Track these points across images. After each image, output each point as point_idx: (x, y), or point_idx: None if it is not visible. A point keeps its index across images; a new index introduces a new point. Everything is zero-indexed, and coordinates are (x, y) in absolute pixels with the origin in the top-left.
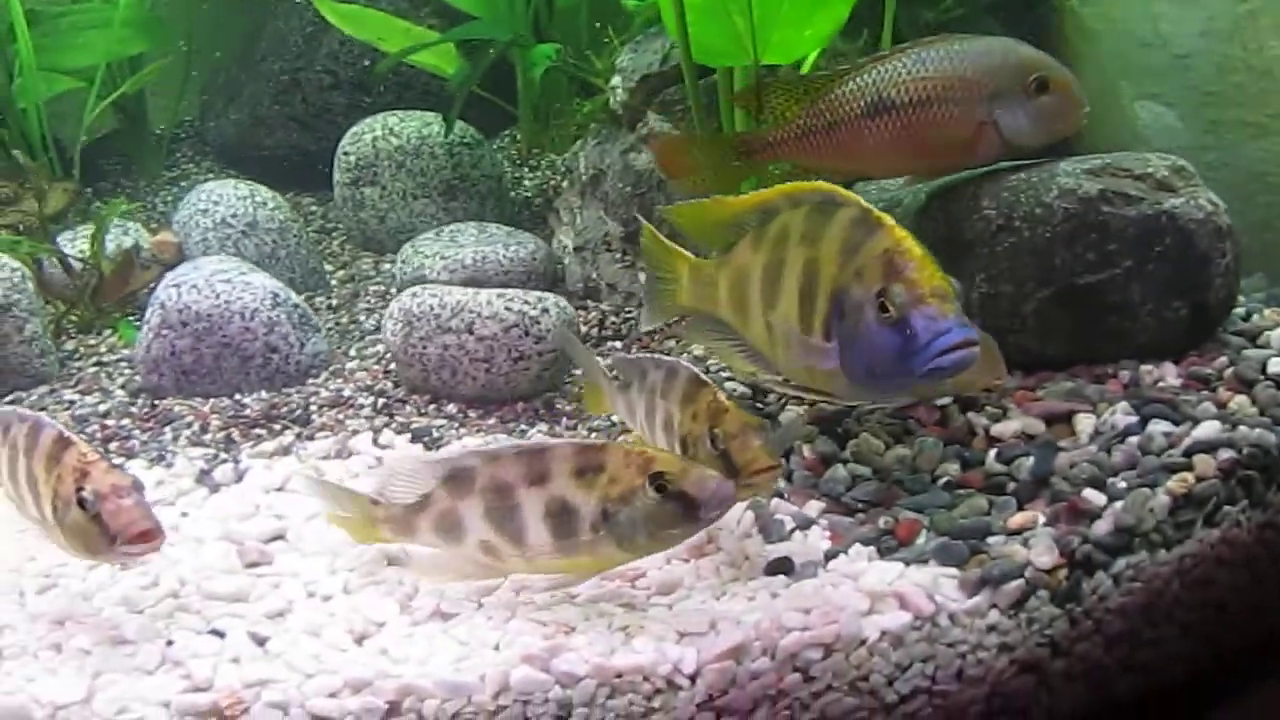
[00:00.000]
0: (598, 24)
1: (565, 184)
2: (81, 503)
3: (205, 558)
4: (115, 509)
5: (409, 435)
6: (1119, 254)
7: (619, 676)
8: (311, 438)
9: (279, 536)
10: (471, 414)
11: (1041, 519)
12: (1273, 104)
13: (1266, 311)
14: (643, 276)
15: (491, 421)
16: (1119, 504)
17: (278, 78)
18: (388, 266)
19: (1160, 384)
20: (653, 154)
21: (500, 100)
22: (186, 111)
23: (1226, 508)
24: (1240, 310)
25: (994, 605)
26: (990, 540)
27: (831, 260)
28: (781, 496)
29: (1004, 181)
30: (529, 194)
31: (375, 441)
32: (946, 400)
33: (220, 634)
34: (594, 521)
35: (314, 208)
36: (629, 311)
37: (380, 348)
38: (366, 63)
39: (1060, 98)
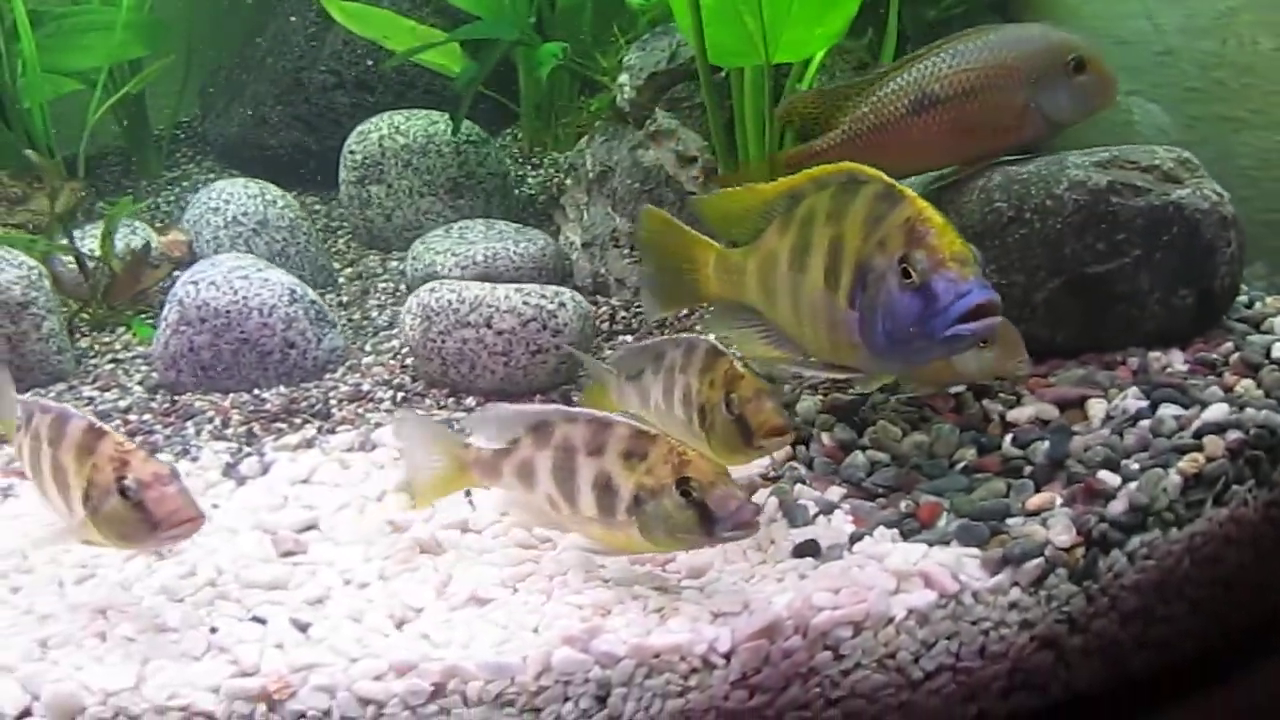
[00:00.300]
0: (601, 22)
1: (569, 181)
2: (124, 491)
3: (240, 547)
4: (159, 496)
5: None
6: (1128, 244)
7: (656, 656)
8: (333, 431)
9: (311, 526)
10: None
11: (1059, 500)
12: (1255, 99)
13: (1268, 299)
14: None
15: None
16: (1133, 484)
17: (281, 77)
18: (394, 264)
19: (1168, 370)
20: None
21: (501, 98)
22: (185, 112)
23: (1235, 487)
24: (1243, 298)
25: (1015, 583)
26: (1009, 521)
27: (856, 233)
28: (803, 482)
29: (1014, 175)
30: (533, 191)
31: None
32: (961, 388)
33: (262, 621)
34: (628, 504)
35: (317, 207)
36: (638, 306)
37: (395, 343)
38: (370, 62)
39: (1097, 75)
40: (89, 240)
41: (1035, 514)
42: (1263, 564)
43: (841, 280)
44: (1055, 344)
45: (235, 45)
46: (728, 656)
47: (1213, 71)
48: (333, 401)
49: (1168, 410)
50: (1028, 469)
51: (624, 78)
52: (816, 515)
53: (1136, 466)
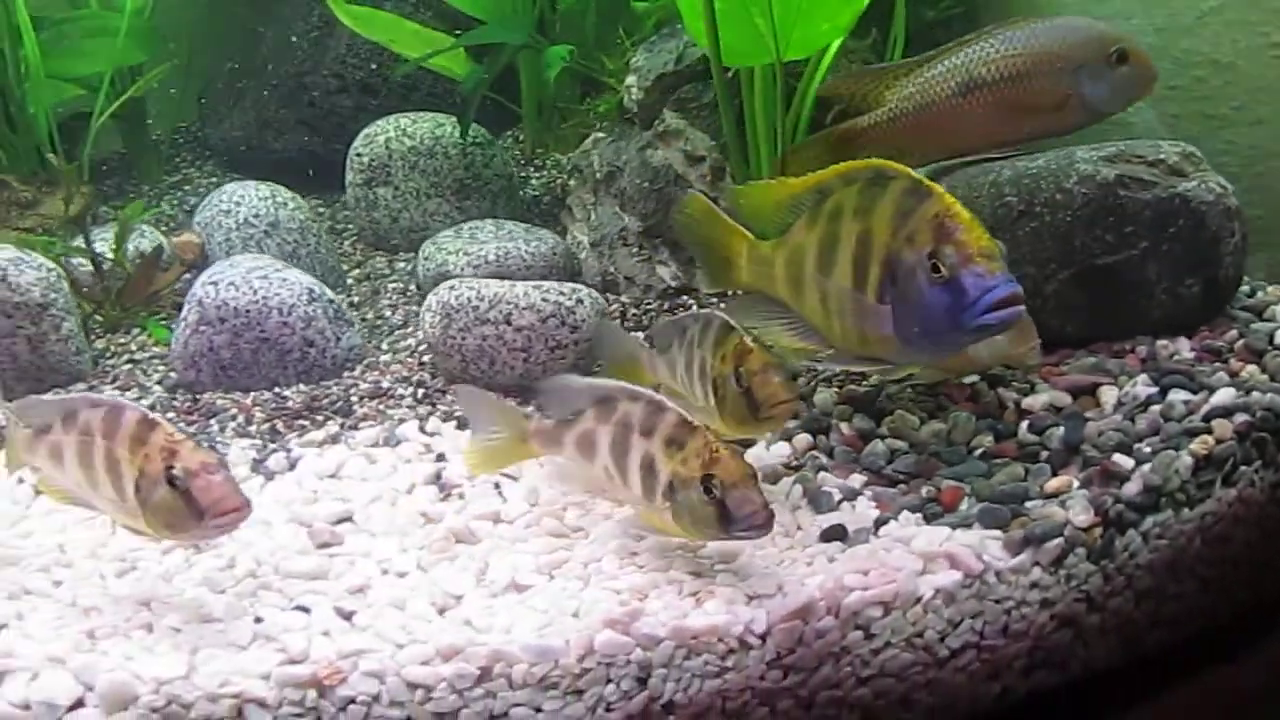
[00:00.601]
0: (604, 24)
1: (573, 182)
2: (172, 480)
3: (277, 539)
4: (205, 485)
5: (454, 423)
6: (1135, 235)
7: (695, 638)
8: (355, 427)
9: (346, 518)
10: (511, 401)
11: (1076, 483)
12: (1236, 96)
13: (1270, 288)
14: (661, 270)
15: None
16: (1146, 466)
17: (285, 81)
18: (402, 265)
19: (1176, 357)
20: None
21: (502, 99)
22: (185, 116)
23: (1242, 468)
24: (1245, 287)
25: (1036, 563)
26: (1029, 504)
27: (884, 228)
28: (825, 470)
29: (1024, 170)
30: (536, 192)
31: (422, 429)
32: (975, 378)
33: (305, 610)
34: (664, 489)
35: (322, 209)
36: (648, 303)
37: (412, 341)
38: (374, 66)
39: (1137, 67)
40: (98, 244)
41: (1054, 496)
42: (1268, 542)
43: (870, 274)
44: (1066, 333)
45: (237, 49)
46: (763, 637)
47: (1194, 70)
48: (354, 398)
49: (1177, 395)
50: (1044, 454)
51: (631, 79)
52: (841, 501)
53: (1149, 449)
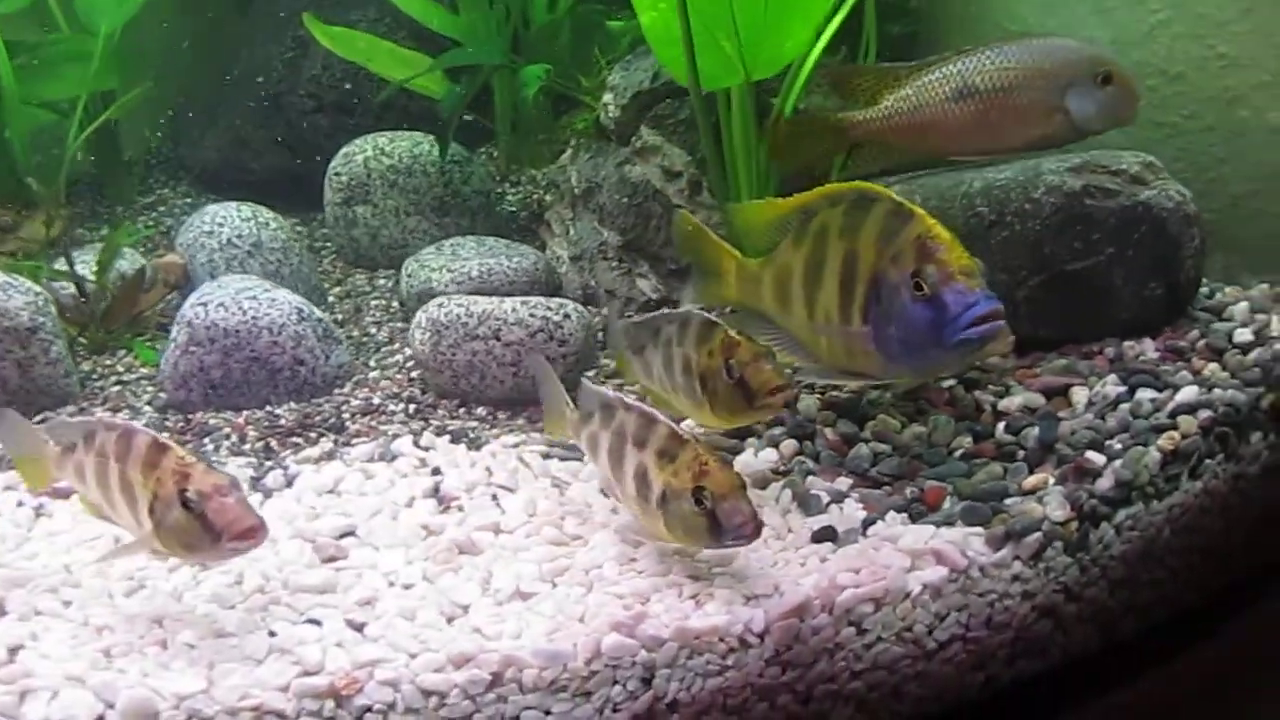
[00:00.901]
0: (578, 43)
1: (550, 198)
2: (186, 503)
3: (283, 555)
4: (220, 507)
5: (448, 436)
6: (1102, 242)
7: (697, 638)
8: (349, 444)
9: (350, 533)
10: (501, 415)
11: (1051, 480)
12: (1186, 105)
13: (1227, 289)
14: (641, 283)
15: (520, 421)
16: (1118, 462)
17: (261, 101)
18: (383, 282)
19: (1141, 357)
20: (770, 140)
21: (476, 117)
22: (157, 138)
23: (1207, 461)
24: (1205, 289)
25: (1017, 557)
26: (1008, 501)
27: (869, 249)
28: (812, 474)
29: (993, 181)
30: (513, 208)
31: (417, 444)
32: (952, 381)
33: (317, 623)
34: (657, 499)
35: (299, 228)
36: (629, 315)
37: (399, 358)
38: (348, 86)
39: (1122, 89)
40: (79, 266)
41: (1031, 493)
42: (1232, 531)
43: (856, 293)
44: (1038, 337)
45: (212, 71)
46: (762, 635)
47: (1146, 80)
48: (345, 415)
49: (1144, 394)
50: (1021, 453)
51: (608, 96)
52: (829, 504)
53: (1119, 446)
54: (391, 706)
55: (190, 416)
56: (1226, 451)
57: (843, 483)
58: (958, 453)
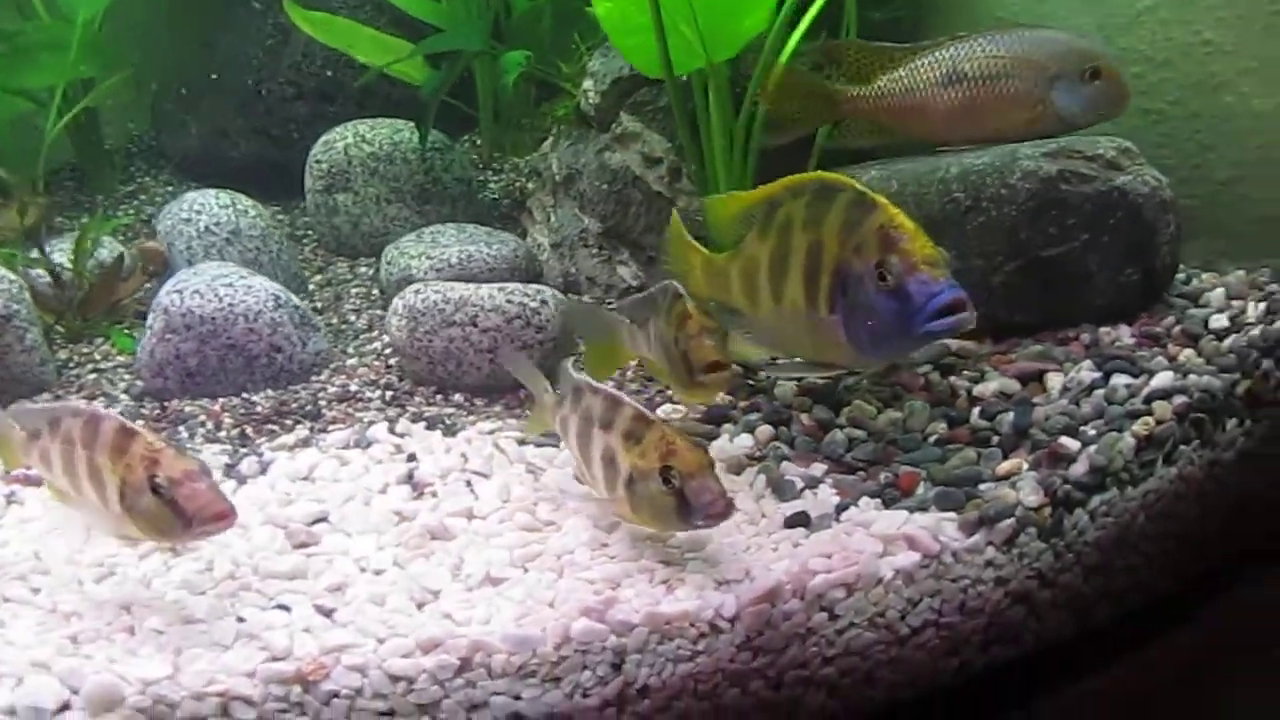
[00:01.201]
0: (559, 29)
1: (532, 185)
2: (156, 489)
3: (255, 541)
4: (190, 493)
5: (424, 423)
6: (1077, 228)
7: (668, 623)
8: (326, 430)
9: (322, 519)
10: (478, 402)
11: (1025, 465)
12: (1172, 91)
13: (1204, 275)
14: (622, 270)
15: (497, 408)
16: (1092, 447)
17: (240, 90)
18: (364, 269)
19: (1117, 343)
20: (766, 81)
21: (459, 104)
22: (138, 125)
23: (1182, 447)
24: (1181, 275)
25: (990, 543)
26: (982, 486)
27: (833, 240)
28: (787, 460)
29: (970, 167)
30: (495, 195)
31: (392, 430)
32: (928, 367)
33: (286, 608)
34: (625, 480)
35: (280, 216)
36: (609, 303)
37: (377, 345)
38: (329, 73)
39: (1109, 86)
40: (55, 254)
41: (1005, 478)
42: (1207, 517)
43: (821, 284)
44: (1013, 323)
45: (192, 58)
46: (733, 621)
47: (1132, 66)
48: (322, 402)
49: (1119, 380)
50: (995, 438)
51: (588, 83)
52: (803, 489)
53: (1094, 432)
54: (359, 692)
55: (166, 404)
56: (1202, 438)
57: (818, 468)
58: (932, 438)
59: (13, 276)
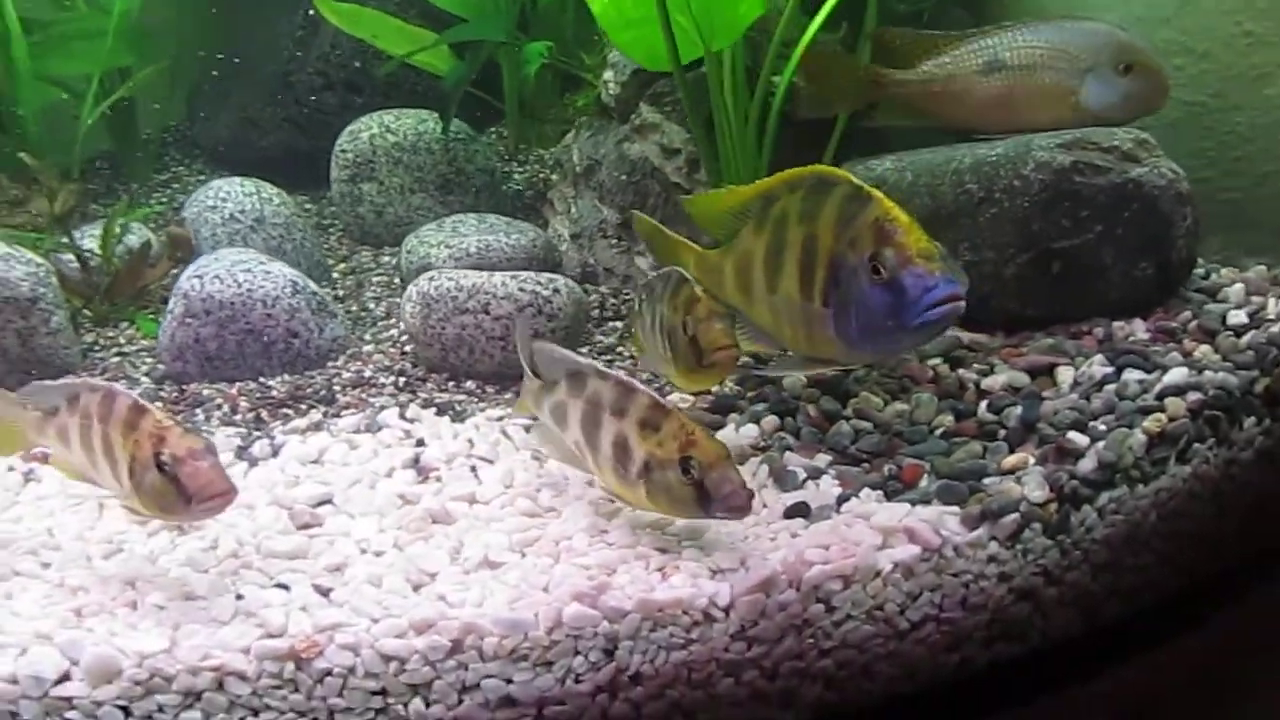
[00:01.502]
0: (582, 21)
1: (555, 176)
2: (160, 466)
3: (259, 521)
4: (193, 471)
5: (434, 409)
6: (1091, 220)
7: (661, 610)
8: (338, 415)
9: (326, 501)
10: (489, 389)
11: (1032, 460)
12: (1212, 84)
13: (1223, 270)
14: (640, 261)
15: (509, 395)
16: (1101, 443)
17: (270, 80)
18: (387, 259)
19: (1131, 338)
20: (803, 62)
21: (486, 96)
22: (174, 116)
23: (1196, 445)
24: (1200, 270)
25: (993, 538)
26: (986, 480)
27: (827, 233)
28: (791, 450)
29: (984, 158)
30: (519, 187)
31: (403, 415)
32: (937, 360)
33: (285, 587)
34: (639, 468)
35: (308, 205)
36: (626, 293)
37: (394, 332)
38: (357, 64)
39: (1144, 82)
40: (87, 240)
41: (1010, 473)
42: (1224, 517)
43: (816, 278)
44: (1025, 316)
45: (224, 49)
46: (727, 610)
47: (1172, 58)
48: (336, 387)
49: (1131, 375)
50: (1002, 432)
51: (608, 74)
52: (805, 480)
53: (1104, 427)
54: (351, 670)
55: (185, 387)
56: (1217, 436)
57: (821, 459)
58: (938, 431)
59: (40, 260)
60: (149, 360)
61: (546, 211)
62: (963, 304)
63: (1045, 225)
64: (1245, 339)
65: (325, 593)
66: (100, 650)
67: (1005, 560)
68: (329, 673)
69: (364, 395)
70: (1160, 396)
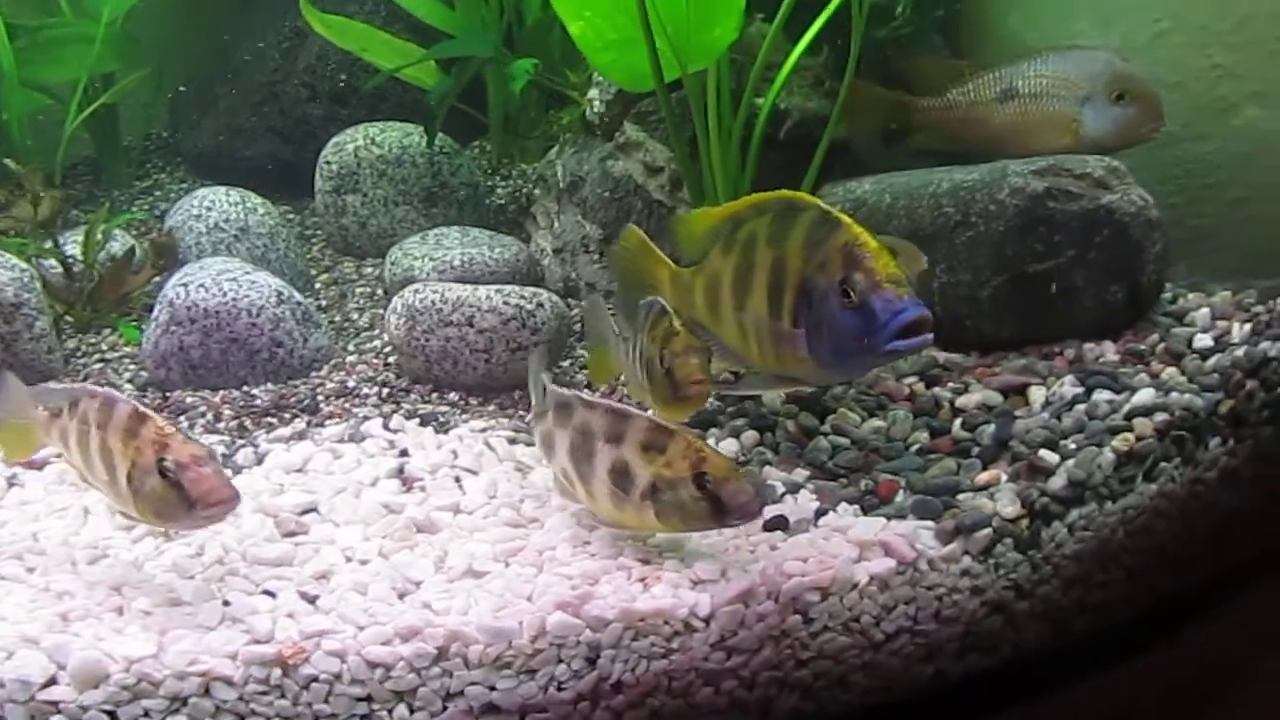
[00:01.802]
0: (569, 39)
1: (538, 191)
2: (163, 472)
3: (245, 528)
4: (196, 477)
5: (418, 420)
6: (1064, 244)
7: (642, 620)
8: (322, 424)
9: (311, 509)
10: (473, 401)
11: (1004, 476)
12: (1183, 114)
13: (1190, 295)
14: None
15: (491, 408)
16: (1071, 461)
17: (256, 90)
18: (370, 270)
19: (1101, 359)
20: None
21: (471, 111)
22: (156, 123)
23: (1163, 464)
24: (1168, 295)
25: (966, 552)
26: (960, 496)
27: (797, 256)
28: (770, 465)
29: (960, 183)
30: (502, 201)
31: (386, 426)
32: (913, 378)
33: (271, 594)
34: (644, 491)
35: (291, 215)
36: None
37: (378, 343)
38: (343, 76)
39: (1137, 110)
40: (69, 246)
41: (983, 489)
42: (1190, 535)
43: (785, 299)
44: (999, 337)
45: (210, 58)
46: (707, 620)
47: None
48: (320, 397)
49: (1101, 395)
50: (975, 449)
51: (593, 92)
52: (784, 494)
53: (1074, 446)
54: (338, 677)
55: (168, 395)
56: (1184, 455)
57: (800, 474)
58: (914, 447)
59: (23, 265)
60: (131, 367)
61: (529, 226)
62: (930, 337)
63: (1019, 249)
64: (1210, 362)
65: (311, 600)
66: (87, 654)
67: (978, 574)
68: (315, 679)
69: (348, 405)
70: (1129, 416)
